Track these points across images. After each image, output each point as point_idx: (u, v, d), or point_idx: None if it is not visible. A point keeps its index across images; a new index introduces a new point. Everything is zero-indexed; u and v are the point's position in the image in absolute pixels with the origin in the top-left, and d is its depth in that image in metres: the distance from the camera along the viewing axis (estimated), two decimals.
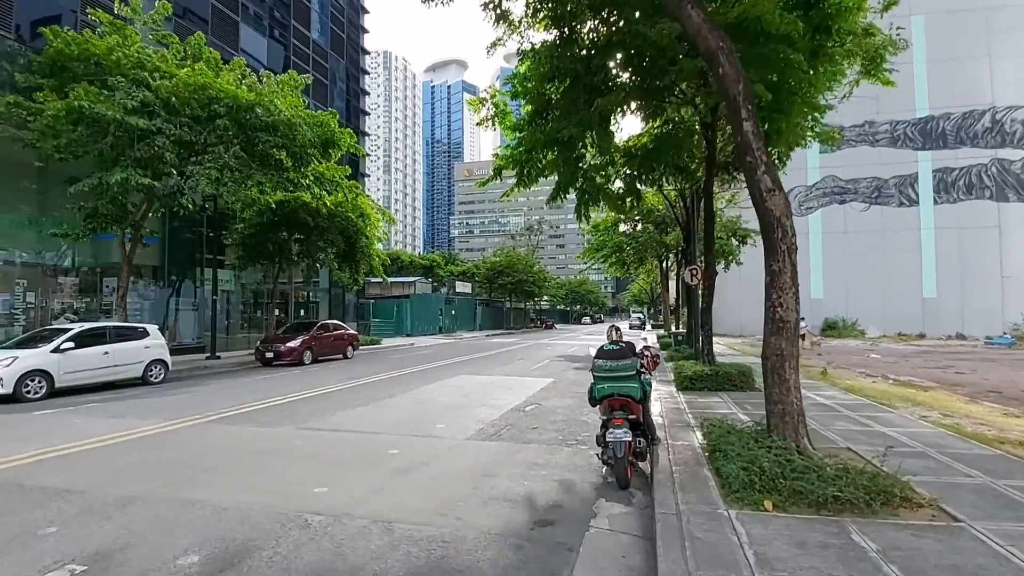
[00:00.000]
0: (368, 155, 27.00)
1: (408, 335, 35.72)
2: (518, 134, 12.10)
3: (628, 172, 12.54)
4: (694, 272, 14.42)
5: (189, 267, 21.55)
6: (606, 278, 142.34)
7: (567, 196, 11.92)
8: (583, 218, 11.72)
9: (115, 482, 5.31)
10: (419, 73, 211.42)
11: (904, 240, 39.99)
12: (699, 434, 6.65)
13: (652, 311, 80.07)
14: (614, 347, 6.06)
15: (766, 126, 9.13)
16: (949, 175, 39.65)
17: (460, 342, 31.97)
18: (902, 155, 40.39)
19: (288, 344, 16.89)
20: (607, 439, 5.11)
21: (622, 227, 30.99)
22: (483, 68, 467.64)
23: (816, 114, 10.24)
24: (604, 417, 5.48)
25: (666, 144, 11.37)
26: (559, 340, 33.43)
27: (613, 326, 6.44)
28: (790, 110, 8.91)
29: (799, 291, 5.41)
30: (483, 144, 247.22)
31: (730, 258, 26.18)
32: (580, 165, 11.37)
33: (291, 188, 16.63)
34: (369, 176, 39.16)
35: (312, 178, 17.18)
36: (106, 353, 11.62)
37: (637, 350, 6.26)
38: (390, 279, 56.90)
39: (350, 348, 19.95)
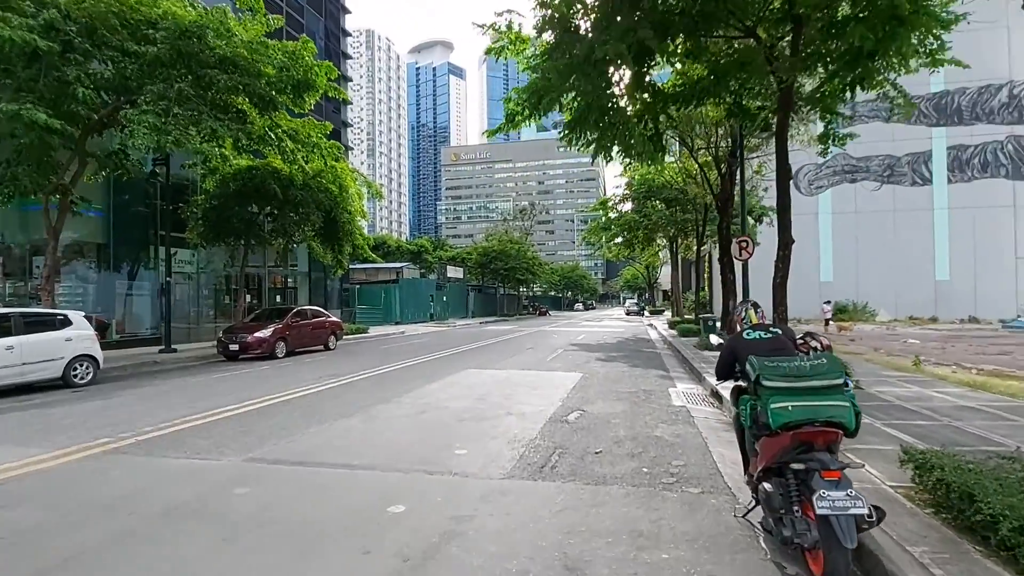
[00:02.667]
0: (350, 102, 24.20)
1: (397, 323, 33.11)
2: (532, 74, 9.66)
3: (670, 114, 10.12)
4: (744, 245, 12.05)
5: (142, 246, 18.65)
6: (596, 264, 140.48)
7: (584, 136, 9.52)
8: (606, 157, 9.36)
9: None
10: (403, 54, 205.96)
11: (916, 220, 38.24)
12: (884, 474, 4.25)
13: (647, 297, 78.07)
14: (767, 335, 3.66)
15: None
16: (964, 152, 37.86)
17: (454, 330, 29.46)
18: (916, 131, 38.43)
19: (257, 334, 14.24)
20: (818, 507, 2.67)
21: (627, 205, 28.64)
22: (470, 50, 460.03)
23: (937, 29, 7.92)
24: (777, 461, 3.05)
25: (728, 71, 8.91)
26: (561, 327, 31.08)
27: (751, 303, 4.05)
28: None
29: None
30: (470, 128, 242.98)
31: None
32: (609, 92, 8.93)
33: (257, 145, 13.83)
34: (352, 149, 36.26)
35: (281, 132, 14.38)
36: (9, 348, 8.93)
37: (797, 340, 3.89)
38: (377, 266, 54.17)
39: (332, 338, 17.34)
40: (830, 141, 10.64)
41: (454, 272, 47.07)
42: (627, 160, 13.00)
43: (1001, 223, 36.87)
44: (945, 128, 38.01)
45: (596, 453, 5.34)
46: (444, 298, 41.89)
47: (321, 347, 16.95)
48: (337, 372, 11.40)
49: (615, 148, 9.46)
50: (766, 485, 3.12)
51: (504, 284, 50.88)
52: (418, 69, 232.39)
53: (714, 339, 4.75)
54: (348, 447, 5.60)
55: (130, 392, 9.41)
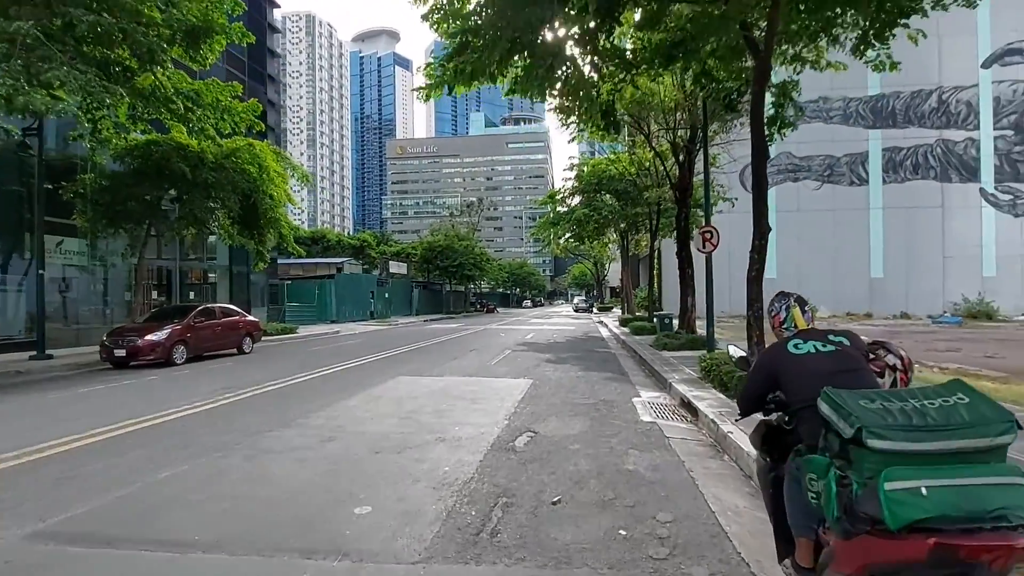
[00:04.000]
0: (279, 56, 21.82)
1: (333, 321, 30.78)
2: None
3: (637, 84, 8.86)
4: (708, 236, 10.98)
5: (15, 232, 15.84)
6: (544, 261, 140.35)
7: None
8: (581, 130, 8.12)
9: None
10: (346, 42, 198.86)
11: (854, 219, 39.40)
12: None
13: (594, 294, 78.05)
14: (826, 348, 2.29)
15: None
16: (897, 154, 39.24)
17: (395, 329, 27.53)
18: (854, 133, 39.57)
19: (149, 337, 12.01)
20: None
21: (576, 199, 27.60)
22: (416, 40, 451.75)
23: None
24: None
25: (705, 30, 7.73)
26: (509, 325, 29.70)
27: (794, 297, 2.68)
28: None
29: None
30: (416, 121, 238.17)
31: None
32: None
33: (155, 111, 11.63)
34: (274, 130, 33.53)
35: (174, 94, 12.18)
36: None
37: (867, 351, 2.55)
38: (315, 260, 51.04)
39: (248, 340, 15.21)
40: (776, 129, 9.77)
41: (397, 268, 44.85)
42: (580, 128, 11.68)
43: (931, 223, 38.43)
44: (881, 130, 39.25)
45: (553, 503, 3.90)
46: (386, 295, 39.68)
47: (234, 350, 14.81)
48: (241, 382, 9.50)
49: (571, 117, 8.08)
50: None
51: (451, 281, 49.06)
52: (362, 58, 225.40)
53: (733, 351, 3.38)
54: (202, 506, 3.91)
55: None
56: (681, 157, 14.65)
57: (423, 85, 8.75)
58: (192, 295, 22.72)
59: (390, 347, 16.44)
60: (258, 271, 19.62)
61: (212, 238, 21.17)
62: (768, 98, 9.64)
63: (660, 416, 6.74)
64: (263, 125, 17.23)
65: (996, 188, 38.66)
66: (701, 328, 16.05)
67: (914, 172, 38.90)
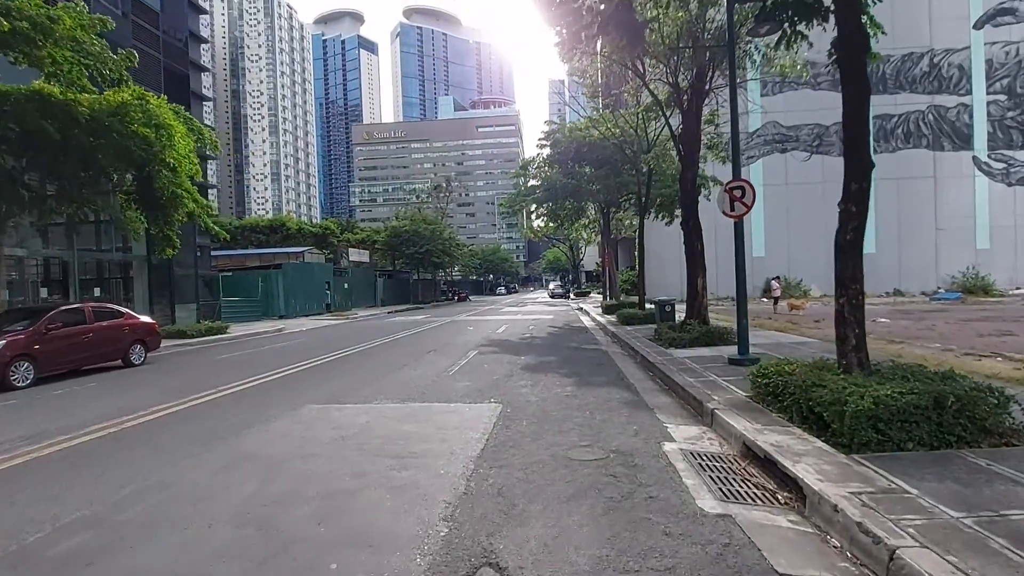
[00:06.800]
0: (204, 10, 18.19)
1: (281, 316, 27.19)
2: None
3: None
4: (738, 194, 7.99)
5: None
6: (518, 247, 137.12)
7: None
8: None
9: None
10: (308, 24, 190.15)
11: None
12: None
13: (570, 278, 75.32)
14: None
15: None
16: (888, 122, 37.12)
17: (351, 323, 24.16)
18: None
19: None
20: None
21: (552, 169, 24.39)
22: (382, 23, 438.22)
23: None
24: None
25: None
26: (480, 316, 26.57)
27: None
28: None
29: None
30: (384, 106, 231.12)
31: (674, 211, 20.44)
32: None
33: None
34: (210, 101, 29.50)
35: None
36: None
37: None
38: (273, 250, 46.86)
39: (138, 348, 11.76)
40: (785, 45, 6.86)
41: (358, 256, 41.14)
42: None
43: (923, 194, 36.50)
44: (871, 97, 36.99)
45: None
46: (345, 285, 36.05)
47: (118, 362, 11.38)
48: (90, 418, 6.21)
49: None
50: None
51: (418, 269, 45.57)
52: (325, 41, 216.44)
53: None
54: None
55: None
56: (685, 102, 11.61)
57: None
58: (96, 291, 18.98)
59: (329, 350, 13.19)
60: (163, 255, 15.92)
61: (103, 218, 17.42)
62: None
63: (728, 491, 3.74)
64: (163, 100, 13.67)
65: (989, 156, 36.85)
66: (713, 317, 13.21)
67: (906, 141, 36.82)
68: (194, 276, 22.96)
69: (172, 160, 13.61)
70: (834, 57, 7.32)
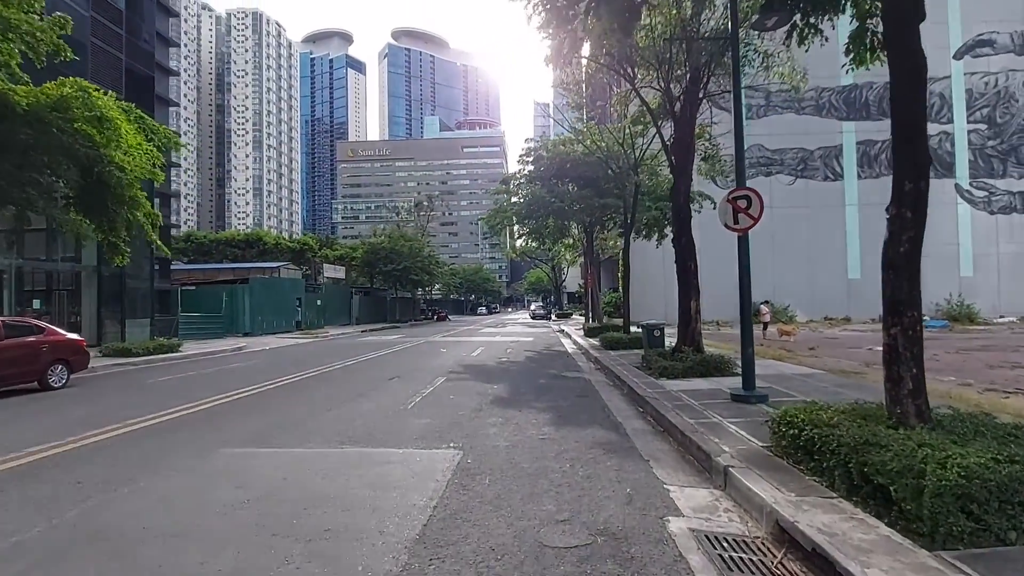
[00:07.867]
0: (174, 12, 17.02)
1: (246, 334, 25.55)
2: None
3: None
4: (743, 205, 6.96)
5: None
6: (500, 267, 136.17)
7: None
8: None
9: None
10: (296, 42, 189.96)
11: (829, 216, 36.99)
12: None
13: (552, 300, 74.30)
14: None
15: None
16: (872, 148, 37.11)
17: (319, 342, 22.67)
18: (828, 125, 37.23)
19: None
20: None
21: (535, 185, 23.45)
22: (370, 43, 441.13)
23: None
24: None
25: None
26: (457, 336, 25.23)
27: None
28: None
29: None
30: (370, 125, 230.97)
31: (663, 231, 19.58)
32: None
33: None
34: (179, 104, 28.38)
35: None
36: None
37: None
38: (248, 264, 45.07)
39: (59, 368, 10.25)
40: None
41: (333, 272, 39.59)
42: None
43: None
44: (855, 123, 37.00)
45: None
46: (318, 302, 34.48)
47: (34, 383, 9.87)
48: None
49: None
50: None
51: (396, 287, 44.10)
52: (313, 60, 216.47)
53: None
54: None
55: None
56: (677, 109, 10.66)
57: None
58: (36, 303, 17.33)
59: (284, 373, 11.78)
60: (115, 264, 14.41)
61: (52, 225, 15.91)
62: None
63: None
64: (104, 94, 12.38)
65: (971, 184, 36.96)
66: (708, 344, 12.08)
67: (889, 167, 36.30)
68: (149, 289, 21.31)
69: (119, 160, 12.27)
70: (851, 55, 6.43)
